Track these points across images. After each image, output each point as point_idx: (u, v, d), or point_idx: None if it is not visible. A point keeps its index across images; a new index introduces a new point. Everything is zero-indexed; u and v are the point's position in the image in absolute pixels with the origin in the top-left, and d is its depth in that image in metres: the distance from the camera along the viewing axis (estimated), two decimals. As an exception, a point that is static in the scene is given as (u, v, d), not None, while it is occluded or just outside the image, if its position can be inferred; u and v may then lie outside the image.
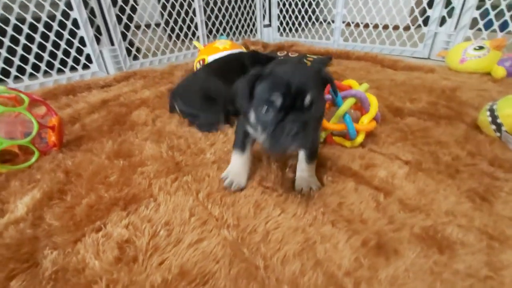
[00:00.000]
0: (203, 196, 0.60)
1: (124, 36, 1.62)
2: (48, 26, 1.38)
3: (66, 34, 1.44)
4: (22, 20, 1.30)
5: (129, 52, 1.68)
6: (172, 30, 1.89)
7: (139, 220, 0.54)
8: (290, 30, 2.31)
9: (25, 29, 1.31)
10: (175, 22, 1.85)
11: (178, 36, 1.92)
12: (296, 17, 2.21)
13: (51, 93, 1.23)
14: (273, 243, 0.49)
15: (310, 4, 2.11)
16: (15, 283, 0.43)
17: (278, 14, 2.31)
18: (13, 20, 1.27)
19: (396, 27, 1.78)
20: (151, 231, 0.51)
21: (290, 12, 2.22)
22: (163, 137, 0.85)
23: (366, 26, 1.88)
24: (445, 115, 0.89)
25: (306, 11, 2.15)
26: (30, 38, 1.34)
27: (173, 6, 1.80)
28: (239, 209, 0.56)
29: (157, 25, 1.79)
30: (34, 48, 1.36)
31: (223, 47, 1.10)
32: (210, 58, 1.09)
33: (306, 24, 2.25)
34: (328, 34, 2.09)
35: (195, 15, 1.89)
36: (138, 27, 1.68)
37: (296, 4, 2.17)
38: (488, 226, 0.49)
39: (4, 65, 1.31)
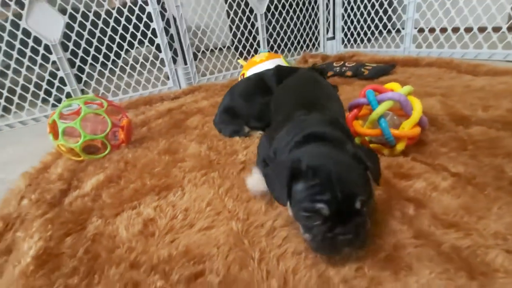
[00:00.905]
0: (223, 191, 0.63)
1: (195, 56, 1.87)
2: (138, 52, 1.71)
3: (151, 57, 1.75)
4: (120, 46, 1.65)
5: (198, 69, 1.91)
6: (236, 48, 2.08)
7: (166, 204, 0.62)
8: (355, 41, 2.23)
9: (122, 54, 1.66)
10: (239, 41, 2.03)
11: (241, 54, 2.09)
12: (362, 27, 2.12)
13: (134, 104, 1.51)
14: (276, 239, 0.48)
15: (377, 12, 2.00)
16: (68, 238, 0.55)
17: (343, 26, 2.27)
18: (115, 48, 1.64)
19: (482, 29, 1.52)
20: (172, 214, 0.58)
21: (355, 23, 2.15)
22: (206, 139, 0.94)
23: (443, 30, 1.67)
24: (529, 125, 0.71)
25: (373, 20, 2.05)
26: (125, 61, 1.69)
27: (237, 27, 1.99)
28: (252, 205, 0.58)
29: (223, 45, 2.00)
30: (127, 69, 1.71)
31: (259, 60, 1.15)
32: (248, 72, 1.15)
33: (373, 33, 2.13)
34: (397, 42, 1.93)
35: (257, 34, 2.03)
36: (207, 48, 1.91)
37: (362, 14, 2.09)
38: (552, 257, 0.37)
39: (107, 82, 1.68)
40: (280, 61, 1.12)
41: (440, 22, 1.67)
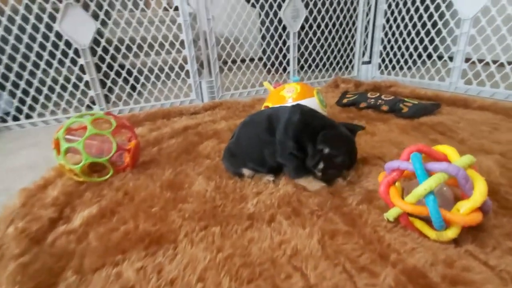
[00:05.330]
0: (221, 258, 0.53)
1: (221, 70, 1.80)
2: (164, 61, 1.68)
3: (176, 68, 1.72)
4: (147, 55, 1.63)
5: (222, 83, 1.85)
6: (265, 65, 2.00)
7: (152, 266, 0.52)
8: (393, 68, 2.06)
9: (149, 62, 1.64)
10: (268, 58, 1.94)
11: (269, 71, 2.00)
12: (402, 54, 1.95)
13: (153, 115, 1.46)
14: None
15: (421, 40, 1.83)
16: (34, 297, 0.47)
17: (381, 51, 2.11)
18: (142, 56, 1.61)
19: (551, 70, 1.30)
20: (154, 285, 0.48)
21: (395, 49, 1.99)
22: (215, 174, 0.84)
23: (501, 66, 1.46)
24: None
25: (416, 48, 1.87)
26: (151, 70, 1.67)
27: (268, 44, 1.90)
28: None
29: (251, 60, 1.92)
30: (152, 78, 1.68)
31: (289, 96, 0.95)
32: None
33: (415, 62, 1.95)
34: (443, 74, 1.74)
35: (288, 52, 1.93)
36: (234, 61, 1.84)
37: (404, 41, 1.92)
38: None
39: (130, 90, 1.66)
40: (313, 100, 0.94)
41: (497, 58, 1.47)
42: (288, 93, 0.94)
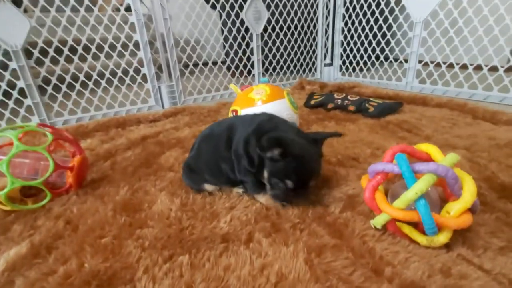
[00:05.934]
0: (192, 297, 0.43)
1: (182, 74, 1.68)
2: (117, 65, 1.51)
3: (131, 71, 1.56)
4: (96, 58, 1.45)
5: (184, 88, 1.72)
6: (228, 68, 1.92)
7: (100, 320, 0.40)
8: (354, 69, 2.12)
9: (98, 66, 1.46)
10: (232, 61, 1.87)
11: (233, 74, 1.93)
12: (362, 56, 2.02)
13: (105, 125, 1.29)
14: None
15: (378, 43, 1.90)
16: None
17: (341, 53, 2.16)
18: (89, 59, 1.43)
19: (494, 69, 1.42)
20: None
21: (354, 51, 2.05)
22: (180, 189, 0.73)
23: (451, 66, 1.57)
24: None
25: (374, 50, 1.95)
26: (101, 75, 1.49)
27: (231, 46, 1.83)
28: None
29: (214, 63, 1.83)
30: (103, 83, 1.50)
31: (259, 98, 0.87)
32: (243, 112, 0.90)
33: (373, 63, 2.03)
34: (399, 75, 1.82)
35: (252, 54, 1.88)
36: (196, 64, 1.73)
37: (362, 43, 1.98)
38: None
39: (77, 97, 1.46)
40: (284, 102, 0.87)
41: (447, 58, 1.57)
42: (257, 95, 0.87)
